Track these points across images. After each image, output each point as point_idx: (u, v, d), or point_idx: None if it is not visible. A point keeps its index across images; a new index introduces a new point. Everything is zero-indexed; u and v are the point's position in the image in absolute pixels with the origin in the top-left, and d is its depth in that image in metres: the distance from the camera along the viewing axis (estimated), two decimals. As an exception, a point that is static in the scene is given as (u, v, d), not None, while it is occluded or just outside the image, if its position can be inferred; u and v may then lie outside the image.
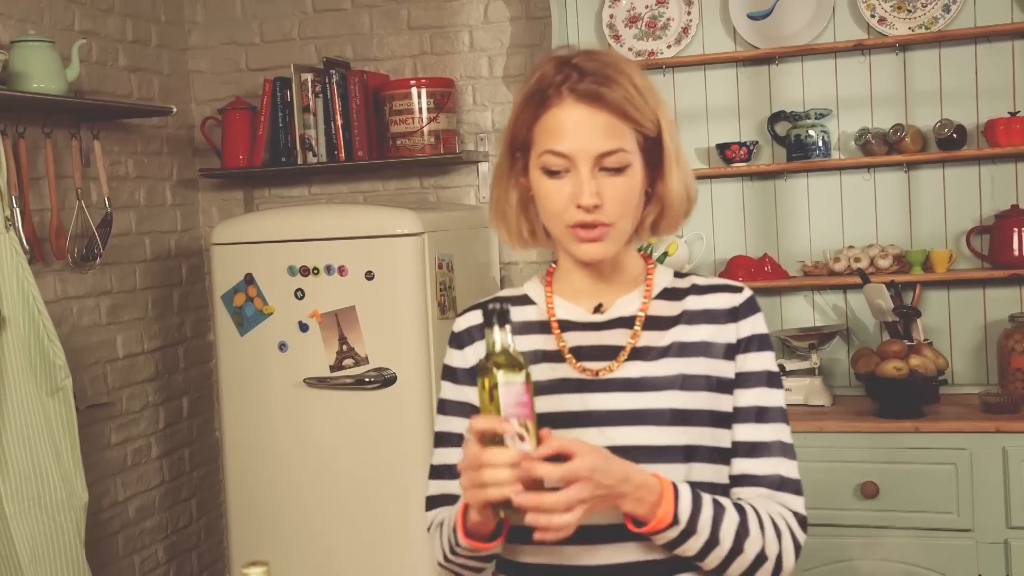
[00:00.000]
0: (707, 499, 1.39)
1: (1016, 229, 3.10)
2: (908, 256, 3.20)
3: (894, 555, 2.92)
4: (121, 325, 3.33)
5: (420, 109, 3.40)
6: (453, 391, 1.58)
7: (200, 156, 3.77)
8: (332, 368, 3.02)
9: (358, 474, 3.02)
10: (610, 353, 1.49)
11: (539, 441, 1.29)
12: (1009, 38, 3.15)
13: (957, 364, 3.26)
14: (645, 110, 1.42)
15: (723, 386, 1.48)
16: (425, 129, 3.40)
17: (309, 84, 3.46)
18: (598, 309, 1.53)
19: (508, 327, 1.30)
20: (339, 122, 3.44)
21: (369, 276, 2.98)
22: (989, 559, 2.85)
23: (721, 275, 3.27)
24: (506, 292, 1.62)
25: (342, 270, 3.00)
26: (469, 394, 1.55)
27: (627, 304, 1.53)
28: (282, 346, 3.07)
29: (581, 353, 1.50)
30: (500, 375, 1.25)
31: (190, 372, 3.68)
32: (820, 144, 3.23)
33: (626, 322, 1.51)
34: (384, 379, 2.98)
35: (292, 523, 3.09)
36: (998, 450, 2.83)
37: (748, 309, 1.52)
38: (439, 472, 1.59)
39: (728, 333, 1.50)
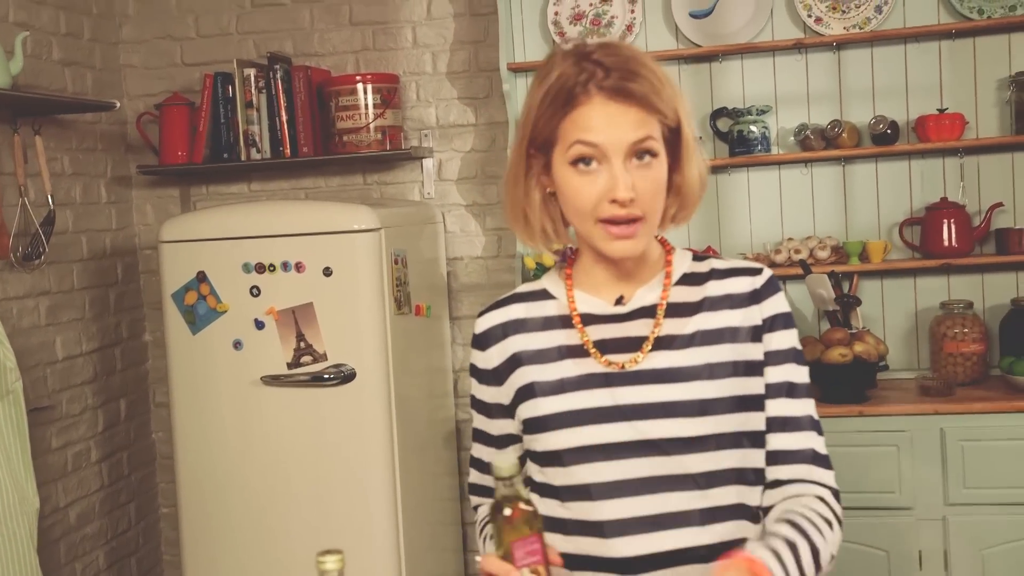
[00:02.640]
0: (785, 553, 1.38)
1: (945, 220, 3.25)
2: (846, 247, 3.33)
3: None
4: (60, 326, 3.23)
5: (367, 105, 3.38)
6: (480, 391, 1.60)
7: (133, 152, 3.68)
8: (290, 365, 2.99)
9: (316, 472, 2.99)
10: (634, 345, 1.49)
11: None
12: (936, 38, 3.30)
13: (891, 350, 3.40)
14: (668, 100, 1.43)
15: (752, 369, 1.49)
16: (372, 125, 3.38)
17: (252, 79, 3.41)
18: (620, 301, 1.52)
19: (518, 481, 1.32)
20: (284, 118, 3.40)
21: (327, 272, 2.96)
22: (928, 535, 2.99)
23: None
24: (525, 287, 1.62)
25: (299, 266, 2.97)
26: (495, 394, 1.57)
27: (648, 293, 1.52)
28: (237, 344, 3.02)
29: (605, 346, 1.50)
30: (512, 535, 1.30)
31: (127, 374, 3.59)
32: (761, 139, 3.33)
33: (648, 312, 1.51)
34: (343, 375, 2.96)
35: (247, 524, 3.05)
36: (936, 431, 2.97)
37: (768, 290, 1.52)
38: (476, 464, 1.65)
39: (752, 315, 1.50)
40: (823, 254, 3.32)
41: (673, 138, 1.46)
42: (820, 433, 1.52)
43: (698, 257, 1.58)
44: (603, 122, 1.40)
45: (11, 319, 2.97)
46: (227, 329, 3.03)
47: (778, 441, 1.50)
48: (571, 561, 1.47)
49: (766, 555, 1.35)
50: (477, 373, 1.59)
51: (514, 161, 1.50)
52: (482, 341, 1.58)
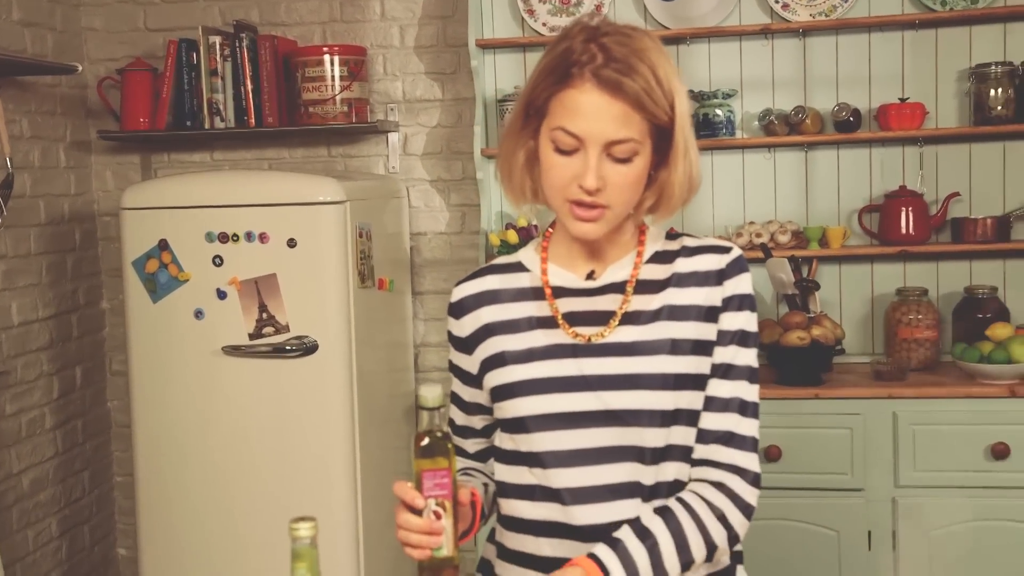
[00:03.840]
0: (634, 546, 1.42)
1: (903, 208, 3.30)
2: (806, 232, 3.37)
3: (793, 514, 3.09)
4: (16, 291, 3.19)
5: (333, 77, 3.36)
6: (457, 357, 1.64)
7: (94, 117, 3.63)
8: (251, 336, 2.98)
9: (276, 443, 2.99)
10: (602, 319, 1.53)
11: (456, 516, 1.39)
12: (900, 28, 3.35)
13: (848, 335, 3.45)
14: (662, 102, 1.43)
15: (706, 349, 1.52)
16: (338, 97, 3.36)
17: (217, 47, 3.38)
18: (591, 276, 1.57)
19: (439, 413, 1.38)
20: (249, 87, 3.37)
21: (291, 243, 2.94)
22: (878, 516, 3.05)
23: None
24: (501, 260, 1.65)
25: (263, 237, 2.95)
26: (468, 363, 1.61)
27: (619, 269, 1.56)
28: (198, 314, 3.00)
29: (574, 319, 1.54)
30: (424, 463, 1.36)
31: (83, 341, 3.55)
32: (726, 123, 3.36)
33: (618, 288, 1.55)
34: (305, 347, 2.95)
35: (205, 495, 3.04)
36: (889, 415, 3.03)
37: (732, 270, 1.54)
38: (455, 429, 1.70)
39: (714, 296, 1.52)
40: (784, 238, 3.36)
41: (663, 135, 1.46)
42: (751, 416, 1.53)
43: (671, 235, 1.61)
44: (588, 112, 1.42)
45: (-33, 283, 2.93)
46: (188, 298, 3.00)
47: (702, 420, 1.52)
48: (539, 527, 1.51)
49: (608, 557, 1.40)
50: (453, 340, 1.64)
51: (513, 116, 1.54)
52: (457, 310, 1.62)
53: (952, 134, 3.30)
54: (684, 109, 1.47)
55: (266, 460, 2.99)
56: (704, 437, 1.51)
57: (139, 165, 3.65)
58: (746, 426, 1.51)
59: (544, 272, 1.58)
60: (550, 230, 1.63)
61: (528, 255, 1.62)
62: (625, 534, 1.43)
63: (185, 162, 3.65)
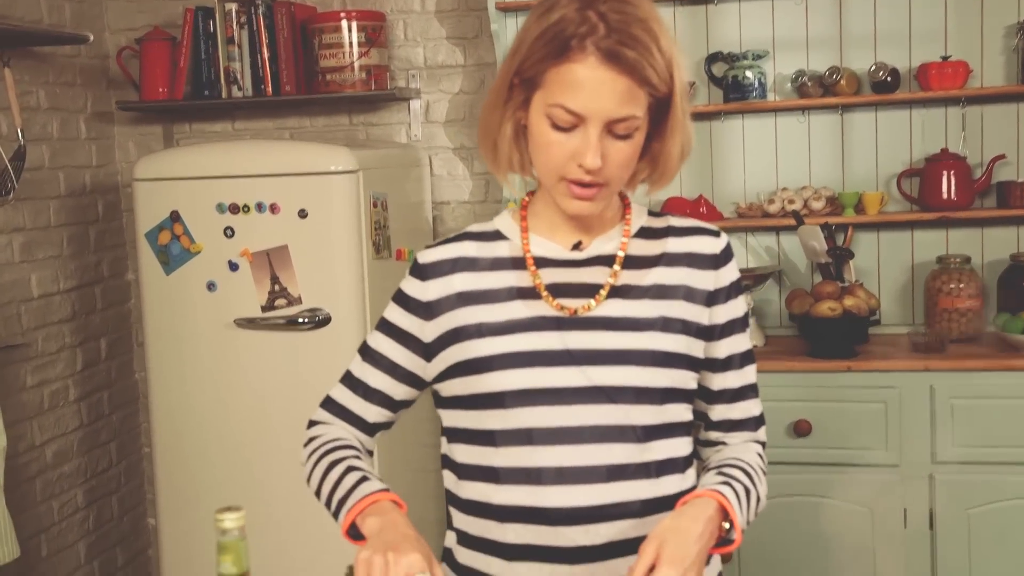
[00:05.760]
0: (743, 498, 1.42)
1: (945, 172, 3.15)
2: (841, 198, 3.23)
3: (824, 491, 2.98)
4: (36, 263, 3.18)
5: (351, 43, 3.29)
6: (400, 316, 1.53)
7: (115, 88, 3.60)
8: (264, 308, 2.94)
9: (291, 416, 2.94)
10: (588, 291, 1.47)
11: None
12: (942, -18, 3.18)
13: (885, 305, 3.32)
14: (664, 74, 1.36)
15: (699, 332, 1.49)
16: (356, 64, 3.29)
17: (234, 15, 3.32)
18: (577, 246, 1.50)
19: None
20: (266, 55, 3.31)
21: (302, 214, 2.89)
22: (914, 493, 2.93)
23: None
24: (476, 227, 1.57)
25: (274, 208, 2.90)
26: (418, 327, 1.51)
27: (606, 242, 1.50)
28: (211, 286, 2.97)
29: (557, 290, 1.47)
30: None
31: (108, 313, 3.54)
32: (757, 85, 3.23)
33: (605, 260, 1.49)
34: (318, 320, 2.91)
35: (221, 466, 3.02)
36: (926, 388, 2.90)
37: (727, 256, 1.53)
38: (352, 383, 1.57)
39: (707, 280, 1.50)
40: (818, 205, 3.22)
41: (660, 107, 1.40)
42: (758, 394, 1.58)
43: (653, 213, 1.56)
44: (591, 89, 1.34)
45: (-18, 255, 2.93)
46: (201, 270, 2.97)
47: (730, 412, 1.55)
48: (502, 512, 1.43)
49: (732, 496, 1.38)
50: (404, 300, 1.53)
51: (497, 87, 1.45)
52: (424, 271, 1.52)
53: (998, 93, 3.13)
54: (683, 79, 1.41)
55: (281, 432, 2.95)
56: (737, 426, 1.55)
57: (161, 136, 3.63)
58: (759, 404, 1.57)
59: (525, 241, 1.50)
60: (527, 198, 1.55)
61: (506, 223, 1.54)
62: (736, 487, 1.42)
63: (207, 132, 3.61)
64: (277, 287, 2.92)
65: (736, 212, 3.35)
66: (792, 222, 3.18)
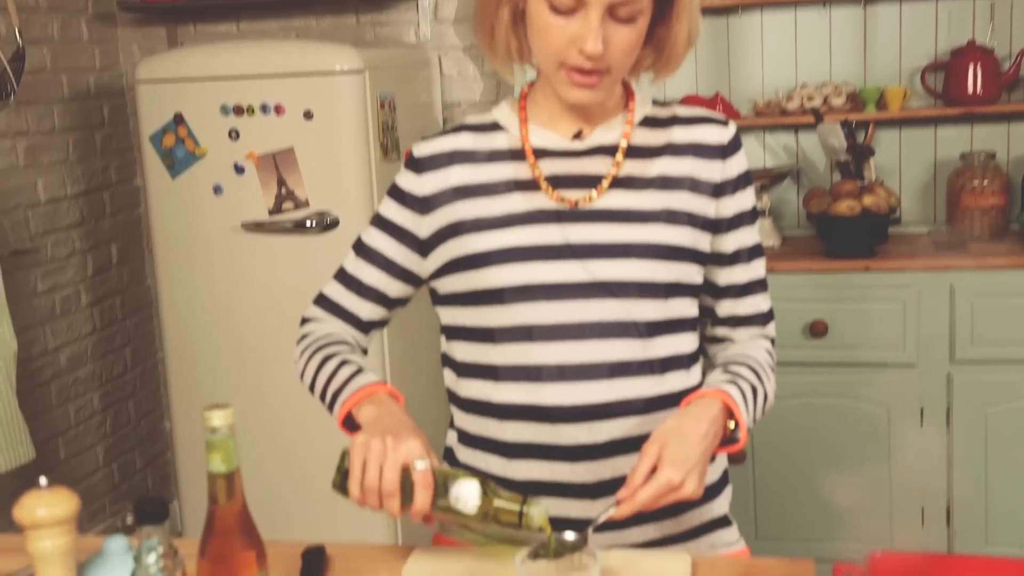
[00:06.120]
0: (749, 397, 1.38)
1: (971, 66, 3.04)
2: (862, 94, 3.14)
3: (840, 391, 2.95)
4: (41, 168, 3.14)
5: (355, -64, 3.18)
6: (395, 211, 1.49)
7: (117, -12, 3.52)
8: (271, 212, 2.90)
9: (298, 320, 2.92)
10: (590, 182, 1.41)
11: None
12: None
13: (906, 203, 3.25)
14: None
15: (705, 225, 1.44)
16: (361, -42, 3.19)
17: (235, -93, 3.22)
18: (578, 136, 1.44)
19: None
20: (268, -51, 3.22)
21: (308, 115, 2.83)
22: (931, 392, 2.90)
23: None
24: (473, 118, 1.52)
25: (279, 109, 2.84)
26: (413, 222, 1.46)
27: (608, 132, 1.44)
28: (217, 189, 2.93)
29: (558, 182, 1.42)
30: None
31: (117, 218, 3.51)
32: (776, -24, 3.11)
33: (607, 150, 1.43)
34: (326, 223, 2.86)
35: (231, 371, 3.02)
36: (946, 287, 2.85)
37: (735, 146, 1.46)
38: (346, 279, 1.52)
39: (714, 171, 1.44)
40: (838, 101, 3.13)
41: None
42: (767, 288, 1.52)
43: (658, 102, 1.50)
44: None
45: (-14, 160, 2.89)
46: (206, 174, 2.92)
47: (737, 307, 1.49)
48: (501, 410, 1.40)
49: (737, 395, 1.34)
50: (399, 194, 1.48)
51: None
52: (420, 164, 1.47)
53: (1028, -19, 3.01)
54: None
55: (290, 336, 2.91)
56: (745, 322, 1.49)
57: (165, 38, 3.55)
58: (768, 299, 1.52)
59: (524, 132, 1.45)
60: (526, 88, 1.50)
61: (504, 114, 1.49)
62: (742, 384, 1.38)
63: (211, 33, 3.53)
64: (284, 190, 2.88)
65: (753, 110, 3.26)
66: (811, 120, 3.09)
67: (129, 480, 3.56)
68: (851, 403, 2.95)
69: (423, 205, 1.45)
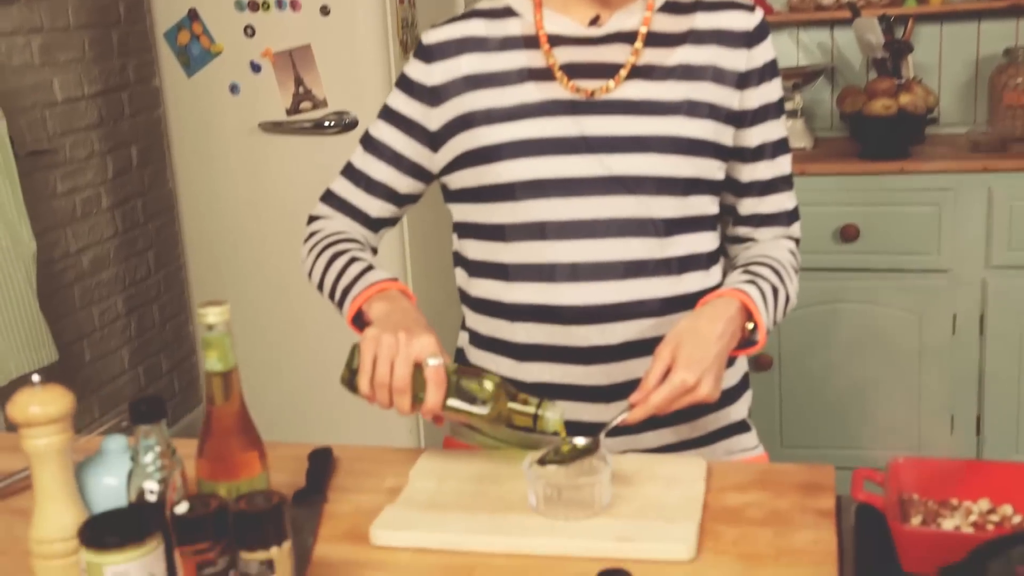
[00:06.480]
0: (769, 297, 1.31)
1: (1018, -44, 2.90)
2: (902, -14, 3.01)
3: (870, 297, 2.89)
4: (57, 67, 3.09)
5: None
6: (404, 103, 1.42)
7: None
8: (288, 112, 2.84)
9: (321, 223, 2.89)
10: (607, 71, 1.34)
11: None
12: None
13: (945, 102, 3.13)
14: None
15: (728, 117, 1.36)
16: None
17: None
18: (595, 22, 1.37)
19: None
20: None
21: (324, 11, 2.74)
22: (965, 299, 2.83)
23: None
24: (484, 4, 1.44)
25: (294, 5, 2.76)
26: (423, 114, 1.40)
27: (627, 17, 1.37)
28: (233, 88, 2.86)
29: (573, 71, 1.35)
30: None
31: (137, 119, 3.46)
32: None
33: (626, 37, 1.36)
34: (344, 123, 2.80)
35: (252, 273, 2.99)
36: (983, 189, 2.76)
37: (762, 33, 1.37)
38: (354, 174, 1.47)
39: (738, 60, 1.36)
40: (876, -6, 3.00)
41: None
42: (792, 186, 1.44)
43: None
44: None
45: (-1, 57, 2.84)
46: (222, 72, 2.86)
47: (759, 205, 1.42)
48: (512, 311, 1.36)
49: (756, 295, 1.28)
50: (408, 85, 1.42)
51: None
52: (429, 53, 1.40)
53: None
54: None
55: (311, 240, 2.90)
56: (768, 221, 1.42)
57: (180, -70, 3.44)
58: (794, 197, 1.44)
59: (538, 17, 1.37)
60: None
61: None
62: (762, 284, 1.31)
63: (227, -74, 3.42)
64: (301, 89, 2.81)
65: (787, 5, 3.13)
66: (847, 14, 2.97)
67: (155, 383, 3.57)
68: (881, 310, 2.89)
69: (433, 96, 1.39)
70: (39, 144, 2.99)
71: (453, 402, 1.18)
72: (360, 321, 1.32)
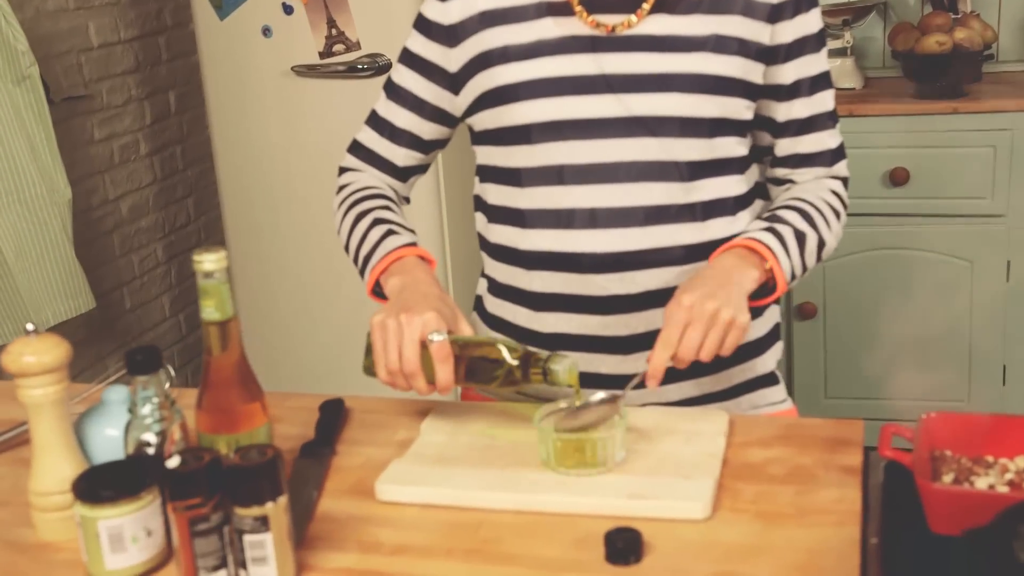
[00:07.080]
0: (791, 242, 1.24)
1: None
2: (960, -84, 2.86)
3: (921, 243, 2.80)
4: (92, 11, 3.06)
5: None
6: (422, 45, 1.37)
7: None
8: (322, 55, 2.78)
9: (356, 168, 2.85)
10: (629, 5, 1.27)
11: None
12: None
13: (1003, 38, 2.99)
14: None
15: (759, 54, 1.28)
16: None
17: None
18: None
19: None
20: None
21: (356, -51, 2.68)
22: (1020, 245, 2.73)
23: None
24: None
25: (326, -58, 2.70)
26: (441, 55, 1.34)
27: None
28: (266, 31, 2.82)
29: (593, 5, 1.28)
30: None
31: (174, 64, 3.43)
32: None
33: None
34: (378, 66, 2.74)
35: (288, 218, 2.96)
36: (1042, 131, 2.63)
37: None
38: (378, 123, 1.43)
39: None
40: (932, -75, 2.86)
41: None
42: (836, 122, 1.35)
43: None
44: None
45: (33, 1, 2.81)
46: (255, 14, 2.81)
47: (797, 145, 1.33)
48: (529, 258, 1.30)
49: (771, 240, 1.22)
50: (426, 26, 1.37)
51: None
52: None
53: None
54: None
55: (345, 186, 2.86)
56: (807, 161, 1.34)
57: None
58: (837, 134, 1.36)
59: None
60: None
61: None
62: (783, 230, 1.25)
63: None
64: (334, 32, 2.76)
65: (839, -63, 3.00)
66: (902, -54, 2.84)
67: (196, 331, 3.58)
68: (933, 256, 2.80)
69: (450, 35, 1.34)
70: (75, 90, 2.98)
71: (465, 379, 1.16)
72: (379, 292, 1.29)
